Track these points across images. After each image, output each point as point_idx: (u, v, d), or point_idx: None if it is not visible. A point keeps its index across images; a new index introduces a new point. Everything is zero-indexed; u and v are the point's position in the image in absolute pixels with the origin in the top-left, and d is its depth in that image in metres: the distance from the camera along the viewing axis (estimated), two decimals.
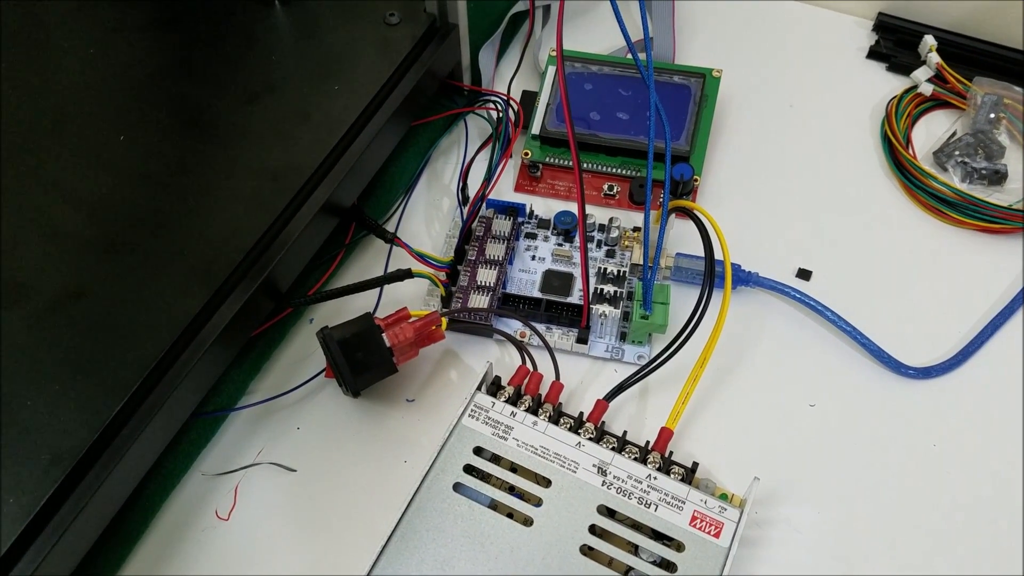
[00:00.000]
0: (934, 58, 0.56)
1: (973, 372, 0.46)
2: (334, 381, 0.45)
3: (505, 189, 0.54)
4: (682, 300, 0.47)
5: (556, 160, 0.54)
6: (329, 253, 0.49)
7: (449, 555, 0.37)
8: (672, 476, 0.39)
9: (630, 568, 0.37)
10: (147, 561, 0.41)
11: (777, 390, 0.46)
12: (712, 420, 0.45)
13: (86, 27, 0.51)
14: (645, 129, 0.53)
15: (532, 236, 0.50)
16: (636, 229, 0.50)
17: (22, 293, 0.40)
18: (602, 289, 0.47)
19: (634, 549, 0.38)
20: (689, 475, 0.40)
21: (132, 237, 0.42)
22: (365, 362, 0.42)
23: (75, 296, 0.40)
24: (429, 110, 0.55)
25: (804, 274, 0.50)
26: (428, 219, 0.53)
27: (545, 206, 0.53)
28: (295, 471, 0.43)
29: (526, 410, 0.41)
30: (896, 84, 0.58)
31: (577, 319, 0.47)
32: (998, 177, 0.52)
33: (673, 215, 0.47)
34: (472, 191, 0.52)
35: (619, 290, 0.47)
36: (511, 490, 0.39)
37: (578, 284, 0.48)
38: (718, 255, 0.44)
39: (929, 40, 0.57)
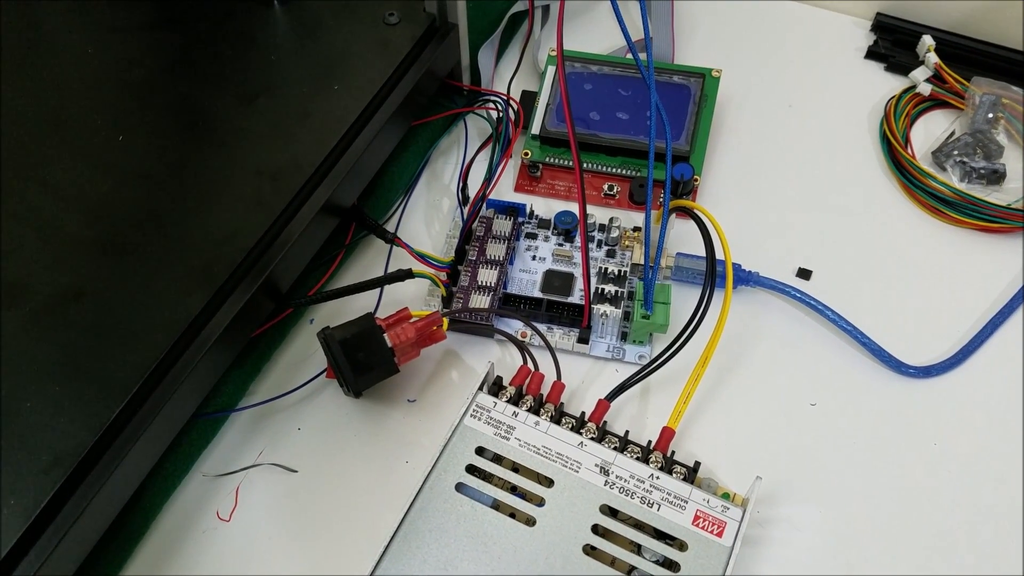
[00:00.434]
0: (932, 58, 0.56)
1: (973, 371, 0.46)
2: (335, 382, 0.45)
3: (505, 189, 0.54)
4: (683, 300, 0.47)
5: (556, 160, 0.54)
6: (329, 253, 0.49)
7: (452, 555, 0.37)
8: (674, 476, 0.39)
9: (633, 568, 0.37)
10: (148, 562, 0.41)
11: (778, 389, 0.46)
12: (714, 420, 0.45)
13: (85, 27, 0.51)
14: (645, 129, 0.53)
15: (532, 236, 0.50)
16: (636, 229, 0.50)
17: (22, 293, 0.40)
18: (603, 289, 0.47)
19: (637, 549, 0.38)
20: (691, 474, 0.40)
21: (132, 237, 0.42)
22: (366, 362, 0.42)
23: (75, 296, 0.40)
24: (429, 110, 0.55)
25: (804, 273, 0.50)
26: (428, 219, 0.52)
27: (545, 206, 0.53)
28: (296, 472, 0.43)
29: (528, 410, 0.41)
30: (895, 84, 0.58)
31: (578, 319, 0.47)
32: (996, 176, 0.52)
33: (674, 215, 0.47)
34: (472, 191, 0.52)
35: (620, 290, 0.47)
36: (513, 490, 0.39)
37: (579, 284, 0.48)
38: (719, 255, 0.44)
39: (927, 40, 0.57)
